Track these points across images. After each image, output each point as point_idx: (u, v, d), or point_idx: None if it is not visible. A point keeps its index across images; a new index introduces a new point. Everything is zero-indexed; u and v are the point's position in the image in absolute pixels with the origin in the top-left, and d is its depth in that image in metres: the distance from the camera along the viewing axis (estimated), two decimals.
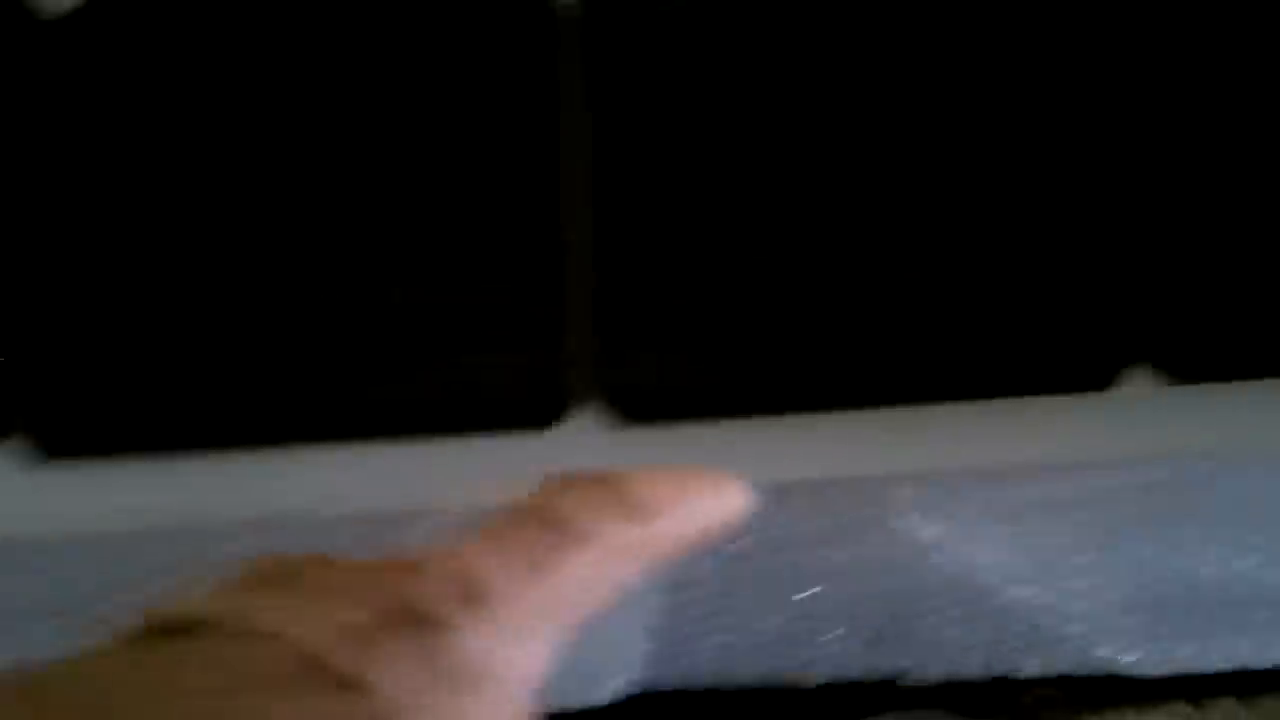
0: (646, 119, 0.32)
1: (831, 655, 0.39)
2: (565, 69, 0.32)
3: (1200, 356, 0.36)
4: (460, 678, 0.17)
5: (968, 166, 0.34)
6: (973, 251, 0.34)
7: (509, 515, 0.20)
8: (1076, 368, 0.35)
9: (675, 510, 0.22)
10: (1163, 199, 0.35)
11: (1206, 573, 0.40)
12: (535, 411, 0.30)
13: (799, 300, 0.32)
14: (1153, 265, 0.35)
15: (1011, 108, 0.34)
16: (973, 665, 0.40)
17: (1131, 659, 0.41)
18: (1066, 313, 0.35)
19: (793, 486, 0.34)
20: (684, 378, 0.31)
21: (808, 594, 0.39)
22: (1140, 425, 0.36)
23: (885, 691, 0.40)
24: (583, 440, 0.30)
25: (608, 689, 0.37)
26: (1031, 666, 0.40)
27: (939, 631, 0.39)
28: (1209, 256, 0.35)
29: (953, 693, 0.41)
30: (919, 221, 0.34)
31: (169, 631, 0.17)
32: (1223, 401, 0.37)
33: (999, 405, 0.35)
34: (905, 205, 0.34)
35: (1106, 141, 0.35)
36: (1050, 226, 0.34)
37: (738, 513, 0.23)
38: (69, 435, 0.30)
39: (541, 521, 0.20)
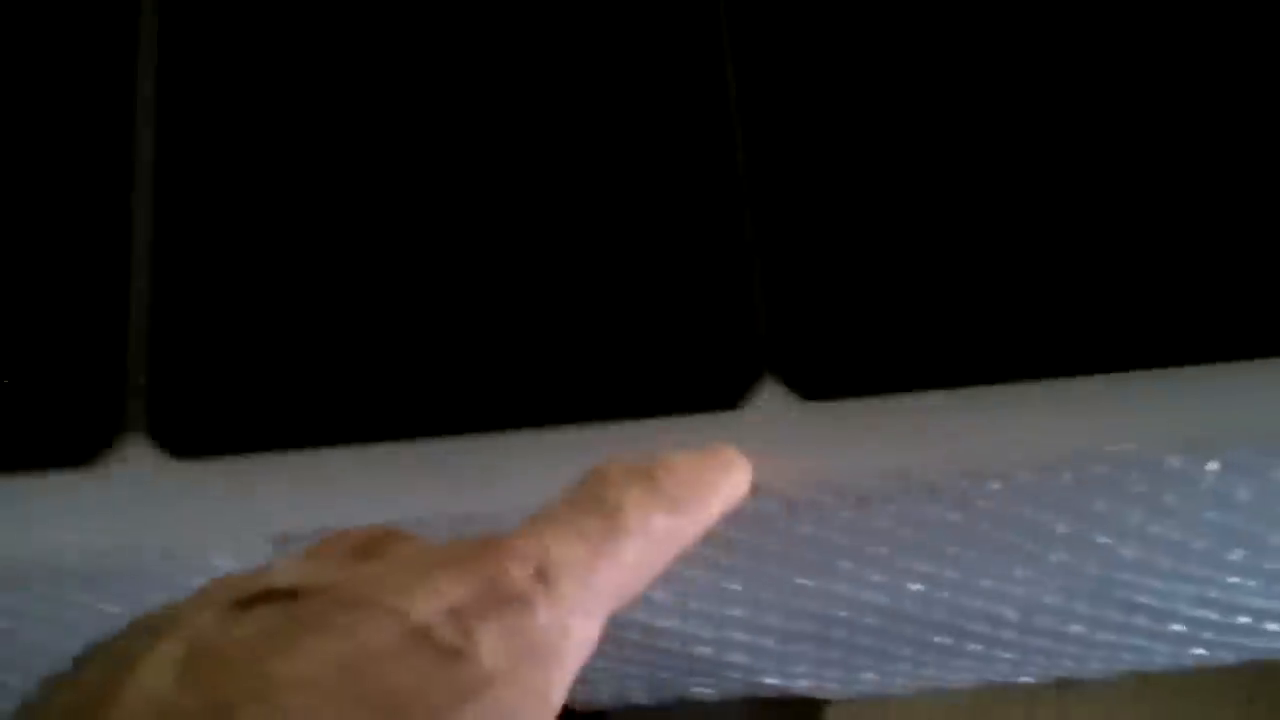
0: None
1: None
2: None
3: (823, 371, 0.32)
4: (541, 651, 0.19)
5: None
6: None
7: (571, 502, 0.23)
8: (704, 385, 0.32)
9: (705, 502, 0.25)
10: None
11: (874, 599, 0.36)
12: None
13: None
14: None
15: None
16: (638, 694, 0.39)
17: (804, 685, 0.39)
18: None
19: None
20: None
21: None
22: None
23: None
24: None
25: None
26: (705, 692, 0.39)
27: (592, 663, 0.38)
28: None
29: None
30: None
31: (264, 599, 0.19)
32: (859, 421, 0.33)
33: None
34: None
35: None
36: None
37: (744, 494, 0.27)
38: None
39: (595, 510, 0.23)
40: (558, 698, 0.20)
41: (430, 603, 0.19)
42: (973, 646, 0.37)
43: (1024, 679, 0.39)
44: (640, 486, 0.24)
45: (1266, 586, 0.36)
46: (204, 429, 0.29)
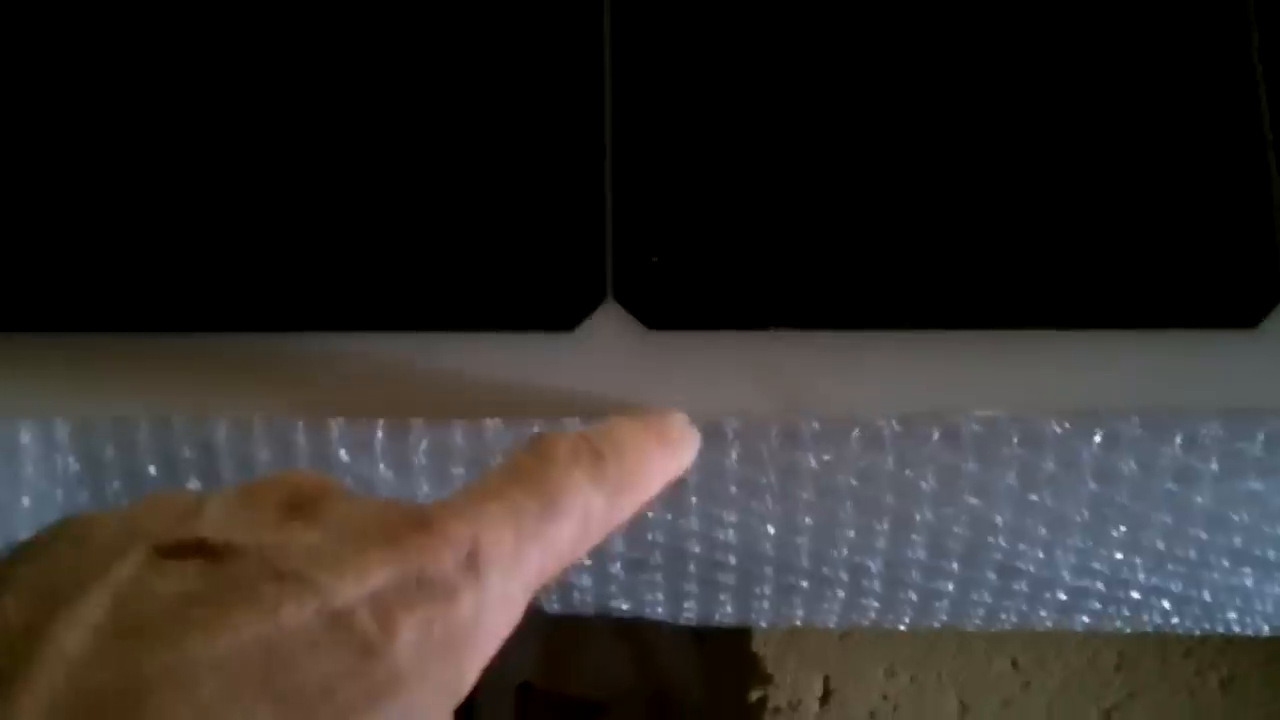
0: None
1: None
2: None
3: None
4: (458, 642, 0.19)
5: None
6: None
7: (506, 474, 0.22)
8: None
9: (647, 487, 0.24)
10: None
11: (727, 537, 0.35)
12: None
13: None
14: None
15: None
16: None
17: (659, 612, 0.37)
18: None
19: None
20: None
21: None
22: None
23: None
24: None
25: None
26: (554, 608, 0.38)
27: None
28: None
29: None
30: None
31: (193, 550, 0.19)
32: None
33: None
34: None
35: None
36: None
37: (686, 468, 0.26)
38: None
39: (534, 490, 0.22)
40: (468, 686, 0.19)
41: (357, 585, 0.18)
42: (837, 592, 0.35)
43: (895, 625, 0.37)
44: (584, 469, 0.23)
45: (1155, 565, 0.34)
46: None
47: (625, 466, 0.24)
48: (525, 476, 0.22)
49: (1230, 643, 0.67)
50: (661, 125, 0.29)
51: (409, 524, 0.20)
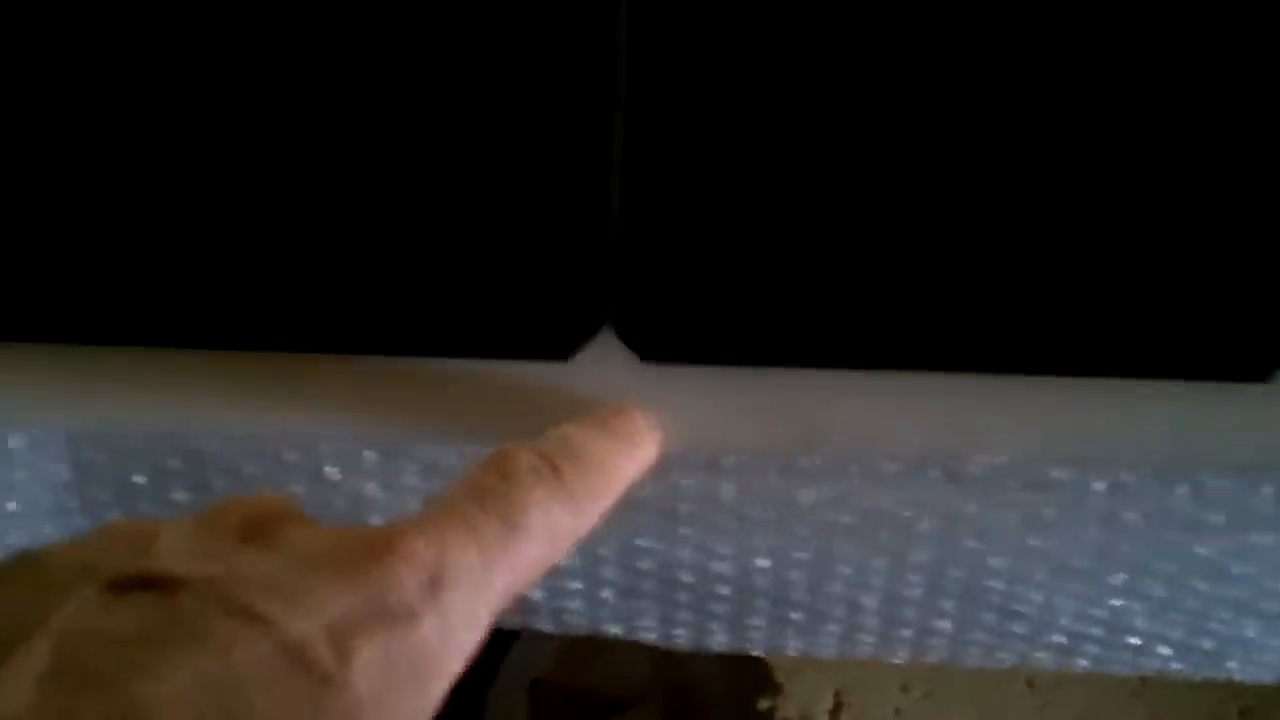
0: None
1: None
2: None
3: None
4: (417, 667, 0.19)
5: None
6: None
7: (468, 492, 0.22)
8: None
9: (610, 493, 0.24)
10: None
11: (721, 569, 0.34)
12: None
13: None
14: None
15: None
16: None
17: (651, 638, 0.37)
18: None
19: None
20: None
21: None
22: None
23: None
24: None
25: None
26: (547, 628, 0.38)
27: None
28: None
29: None
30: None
31: (146, 584, 0.18)
32: None
33: None
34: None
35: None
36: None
37: (649, 467, 0.26)
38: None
39: (496, 510, 0.21)
40: (432, 709, 0.19)
41: (313, 616, 0.18)
42: (831, 627, 0.35)
43: (890, 659, 0.37)
44: (545, 487, 0.22)
45: (1158, 613, 0.33)
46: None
47: (587, 477, 0.23)
48: (486, 496, 0.21)
49: None
50: (669, 155, 0.29)
51: (368, 549, 0.19)
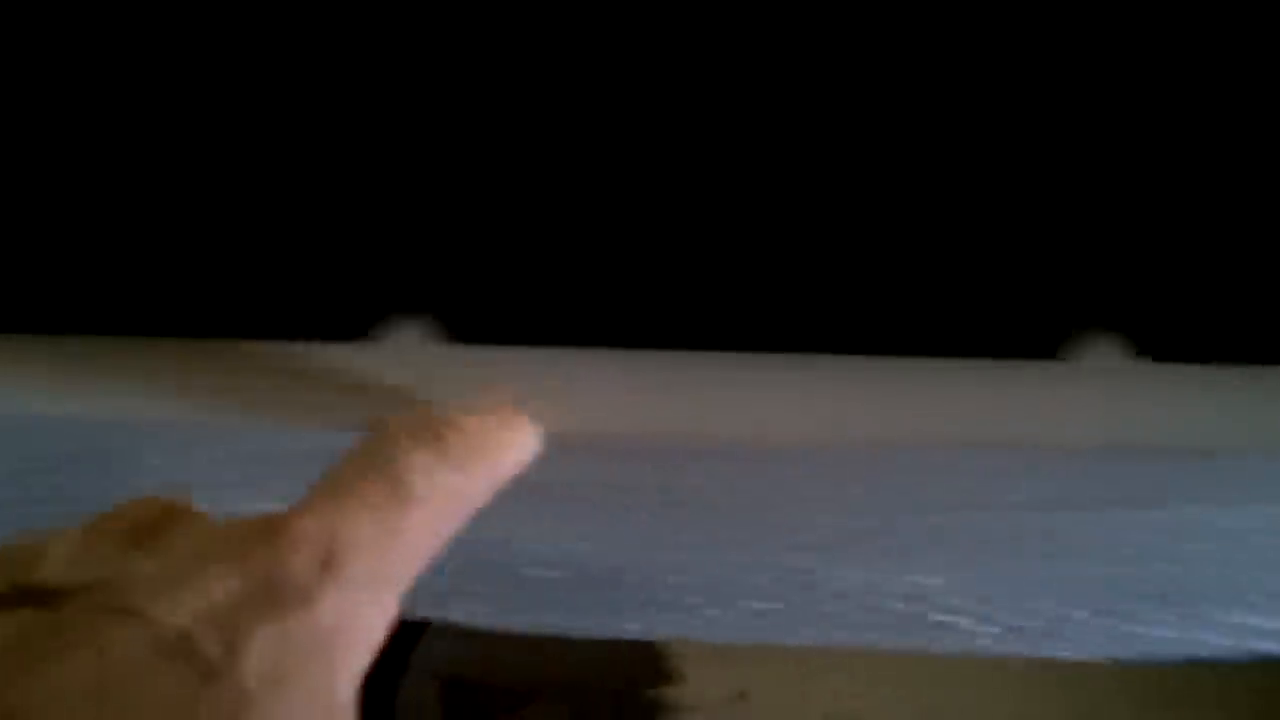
0: None
1: None
2: None
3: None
4: (318, 649, 0.18)
5: None
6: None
7: (351, 466, 0.21)
8: None
9: (494, 463, 0.23)
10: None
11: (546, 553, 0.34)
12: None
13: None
14: None
15: None
16: None
17: (484, 622, 0.37)
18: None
19: None
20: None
21: None
22: None
23: None
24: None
25: None
26: None
27: None
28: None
29: None
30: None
31: (29, 597, 0.18)
32: None
33: None
34: None
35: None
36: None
37: (531, 456, 0.25)
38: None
39: (382, 478, 0.21)
40: (347, 692, 0.18)
41: (192, 607, 0.17)
42: (730, 614, 0.35)
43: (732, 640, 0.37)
44: (426, 449, 0.22)
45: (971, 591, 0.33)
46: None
47: (469, 440, 0.23)
48: (369, 466, 0.21)
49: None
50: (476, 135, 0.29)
51: (254, 534, 0.19)
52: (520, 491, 0.25)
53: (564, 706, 0.70)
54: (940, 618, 0.34)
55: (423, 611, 0.37)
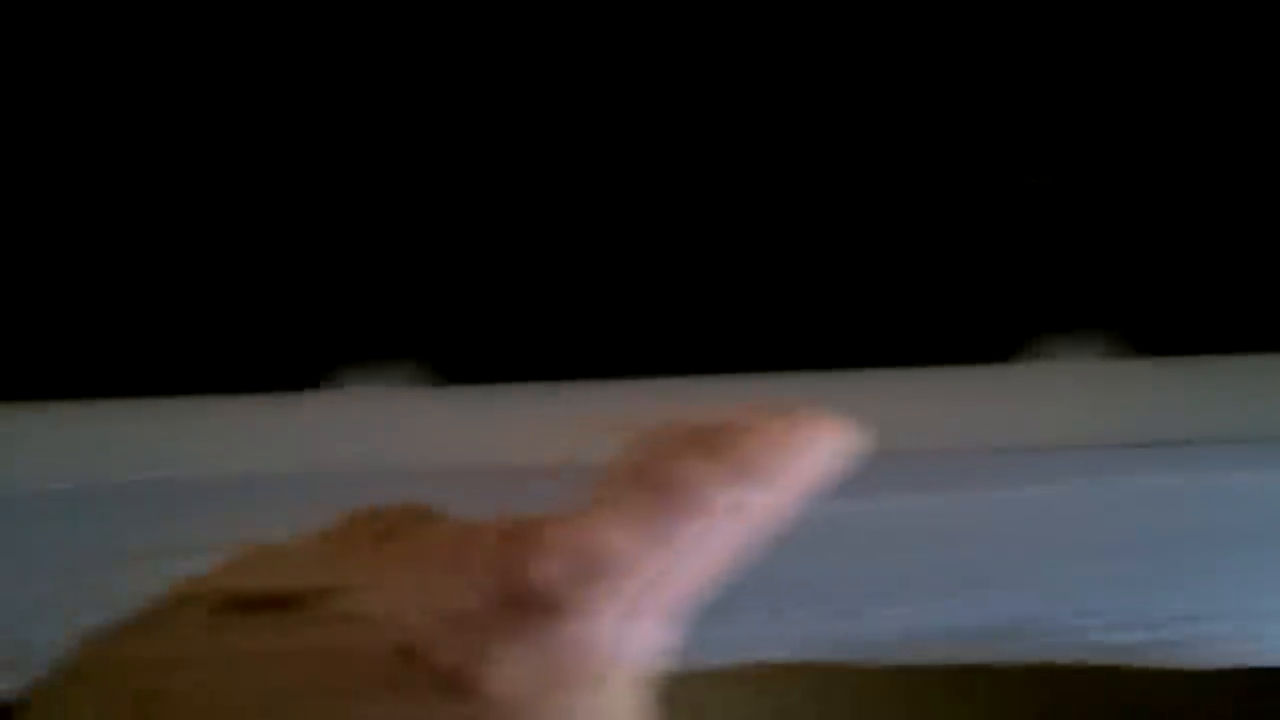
0: None
1: None
2: None
3: None
4: (580, 671, 0.16)
5: None
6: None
7: (620, 476, 0.19)
8: None
9: (784, 471, 0.20)
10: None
11: None
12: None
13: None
14: None
15: None
16: None
17: None
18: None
19: None
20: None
21: None
22: None
23: None
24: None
25: None
26: None
27: None
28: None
29: None
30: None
31: (256, 605, 0.17)
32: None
33: None
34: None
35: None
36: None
37: (839, 459, 0.21)
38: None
39: (653, 486, 0.18)
40: None
41: (429, 615, 0.16)
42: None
43: None
44: (703, 456, 0.19)
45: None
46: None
47: (754, 452, 0.20)
48: (636, 473, 0.19)
49: None
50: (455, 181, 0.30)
51: (502, 539, 0.17)
52: None
53: None
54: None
55: None
